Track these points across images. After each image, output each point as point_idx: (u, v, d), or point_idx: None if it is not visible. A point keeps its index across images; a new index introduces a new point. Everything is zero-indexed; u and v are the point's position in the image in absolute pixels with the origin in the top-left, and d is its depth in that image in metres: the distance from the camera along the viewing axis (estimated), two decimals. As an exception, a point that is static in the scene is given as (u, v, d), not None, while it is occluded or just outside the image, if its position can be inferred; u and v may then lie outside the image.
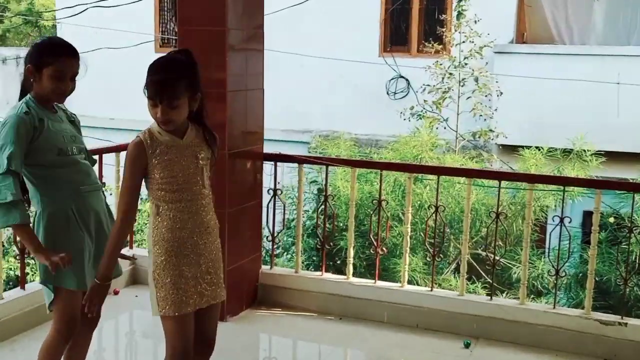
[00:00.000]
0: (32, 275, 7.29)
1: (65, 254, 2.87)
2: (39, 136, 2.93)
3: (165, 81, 2.71)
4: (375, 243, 4.83)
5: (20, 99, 3.03)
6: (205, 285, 2.90)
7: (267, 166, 4.91)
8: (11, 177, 2.84)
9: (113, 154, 4.99)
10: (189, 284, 2.84)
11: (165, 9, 11.96)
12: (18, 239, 4.41)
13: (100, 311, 2.99)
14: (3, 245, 4.44)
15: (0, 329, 4.17)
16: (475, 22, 8.74)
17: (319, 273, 5.01)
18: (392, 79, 10.42)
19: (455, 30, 8.97)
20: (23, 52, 13.58)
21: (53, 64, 2.95)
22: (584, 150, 7.54)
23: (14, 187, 2.83)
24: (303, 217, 5.90)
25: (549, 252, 6.59)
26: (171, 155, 2.80)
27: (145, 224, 7.90)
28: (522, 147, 7.85)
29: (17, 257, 4.51)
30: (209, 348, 3.06)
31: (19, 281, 4.56)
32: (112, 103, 11.20)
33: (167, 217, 2.82)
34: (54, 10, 14.79)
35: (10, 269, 7.44)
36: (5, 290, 4.45)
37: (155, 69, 2.75)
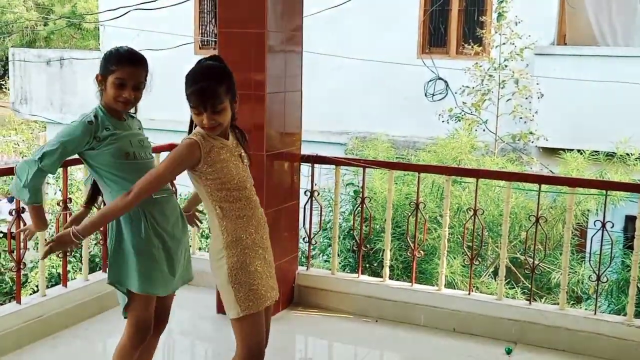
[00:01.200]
0: (74, 273, 7.45)
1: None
2: (106, 143, 3.00)
3: (207, 88, 2.79)
4: (412, 245, 4.80)
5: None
6: (273, 279, 3.04)
7: (305, 167, 4.93)
8: (36, 169, 2.93)
9: (153, 154, 5.04)
10: (263, 279, 2.92)
11: (205, 10, 12.07)
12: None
13: (169, 315, 3.27)
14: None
15: (43, 326, 4.26)
16: (516, 23, 8.62)
17: (355, 275, 5.00)
18: (431, 80, 10.35)
19: (496, 32, 8.87)
20: (67, 53, 13.89)
21: (115, 72, 3.01)
22: (628, 154, 7.39)
23: (37, 180, 2.94)
24: (339, 218, 5.90)
25: (590, 257, 6.47)
26: (225, 156, 2.88)
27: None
28: (563, 150, 7.72)
29: (59, 255, 4.60)
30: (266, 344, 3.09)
31: (61, 279, 4.65)
32: (152, 104, 11.32)
33: (233, 217, 2.88)
34: (97, 13, 15.06)
35: (53, 267, 7.59)
36: (47, 287, 4.54)
37: (193, 78, 2.83)
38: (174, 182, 3.46)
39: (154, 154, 3.40)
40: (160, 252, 3.08)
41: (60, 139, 2.96)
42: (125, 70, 3.02)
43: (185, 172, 2.91)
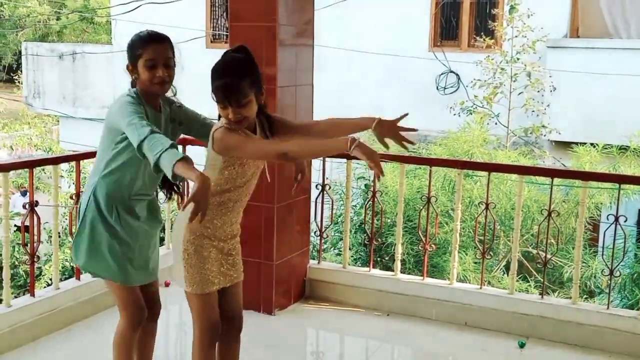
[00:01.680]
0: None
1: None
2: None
3: (231, 83, 2.79)
4: (423, 239, 4.80)
5: None
6: (234, 268, 3.09)
7: (316, 161, 4.93)
8: (156, 134, 2.81)
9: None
10: (214, 266, 3.01)
11: (217, 4, 12.08)
12: (74, 229, 4.53)
13: (160, 300, 3.27)
14: (59, 237, 4.58)
15: (56, 318, 4.30)
16: (528, 16, 8.57)
17: (366, 269, 5.00)
18: (442, 73, 10.31)
19: (508, 25, 8.82)
20: (79, 47, 13.94)
21: (142, 55, 2.99)
22: (642, 147, 7.34)
23: (164, 138, 2.80)
24: (351, 212, 5.90)
25: (602, 251, 6.45)
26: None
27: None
28: (576, 143, 7.68)
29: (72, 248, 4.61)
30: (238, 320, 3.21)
31: (75, 272, 4.67)
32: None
33: (211, 206, 2.88)
34: (109, 7, 15.11)
35: (67, 260, 7.64)
36: (61, 280, 4.57)
37: (218, 73, 2.83)
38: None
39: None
40: (129, 245, 3.11)
41: (128, 112, 2.88)
42: (152, 49, 2.99)
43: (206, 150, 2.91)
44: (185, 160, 2.69)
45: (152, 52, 2.99)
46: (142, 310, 3.19)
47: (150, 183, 3.16)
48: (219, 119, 2.91)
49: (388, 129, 2.84)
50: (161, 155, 2.70)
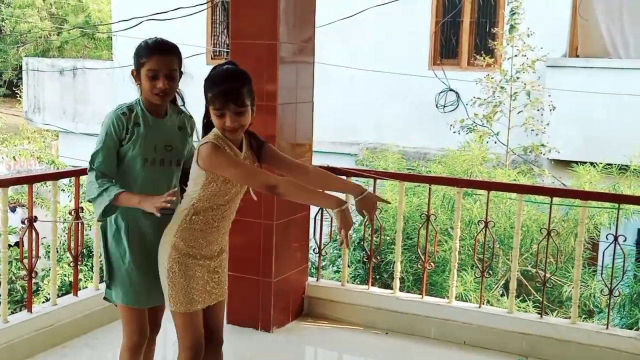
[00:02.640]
0: (85, 282, 7.45)
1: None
2: (128, 140, 2.97)
3: (231, 89, 2.81)
4: (423, 257, 4.79)
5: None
6: (219, 286, 3.08)
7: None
8: (94, 174, 2.94)
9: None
10: (199, 284, 3.00)
11: (218, 21, 12.13)
12: (72, 245, 4.52)
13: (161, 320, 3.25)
14: (57, 252, 4.56)
15: (53, 335, 4.27)
16: (528, 35, 8.62)
17: (365, 287, 4.99)
18: (442, 91, 10.34)
19: (508, 44, 8.86)
20: (80, 63, 13.99)
21: (146, 64, 2.97)
22: (642, 168, 7.33)
23: (97, 182, 2.91)
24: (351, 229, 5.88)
25: (602, 271, 6.44)
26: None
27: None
28: (576, 162, 7.68)
29: (71, 264, 4.61)
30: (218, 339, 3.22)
31: (72, 287, 4.66)
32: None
33: (196, 228, 2.94)
34: (110, 24, 15.17)
35: (65, 275, 7.61)
36: (58, 296, 4.55)
37: (216, 80, 2.85)
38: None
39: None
40: (135, 265, 3.05)
41: (100, 138, 2.97)
42: (156, 60, 2.96)
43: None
44: (121, 195, 2.87)
45: (155, 63, 2.96)
46: (144, 336, 3.17)
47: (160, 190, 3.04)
48: (203, 135, 2.92)
49: (368, 205, 3.00)
50: (98, 195, 2.90)
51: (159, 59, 2.97)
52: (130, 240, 3.04)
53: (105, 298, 3.22)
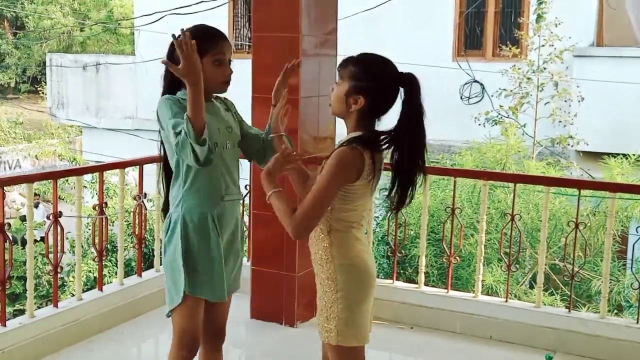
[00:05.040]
0: (109, 277, 7.51)
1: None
2: None
3: None
4: (448, 251, 4.73)
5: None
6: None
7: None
8: (181, 135, 2.61)
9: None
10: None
11: (240, 14, 12.12)
12: (97, 240, 4.53)
13: (225, 329, 3.08)
14: (82, 247, 4.58)
15: (78, 329, 4.29)
16: (556, 25, 8.47)
17: (390, 281, 4.94)
18: (466, 83, 10.23)
19: (535, 34, 8.72)
20: (102, 58, 14.07)
21: (213, 50, 2.79)
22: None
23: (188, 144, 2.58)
24: (373, 224, 5.84)
25: (631, 264, 6.33)
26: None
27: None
28: (606, 154, 7.55)
29: (96, 259, 4.62)
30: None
31: (97, 283, 4.67)
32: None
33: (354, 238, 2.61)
34: (133, 18, 15.24)
35: (90, 271, 7.67)
36: (84, 291, 4.57)
37: (395, 72, 2.62)
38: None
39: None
40: (211, 257, 2.84)
41: (168, 112, 2.70)
42: (222, 45, 2.81)
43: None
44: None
45: (222, 49, 2.81)
46: (196, 343, 2.93)
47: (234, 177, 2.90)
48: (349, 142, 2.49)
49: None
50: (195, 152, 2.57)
51: (224, 44, 2.83)
52: (216, 232, 2.83)
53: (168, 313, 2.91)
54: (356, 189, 2.49)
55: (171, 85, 2.84)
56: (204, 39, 2.75)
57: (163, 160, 2.95)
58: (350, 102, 2.51)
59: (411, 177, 2.53)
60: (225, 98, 3.03)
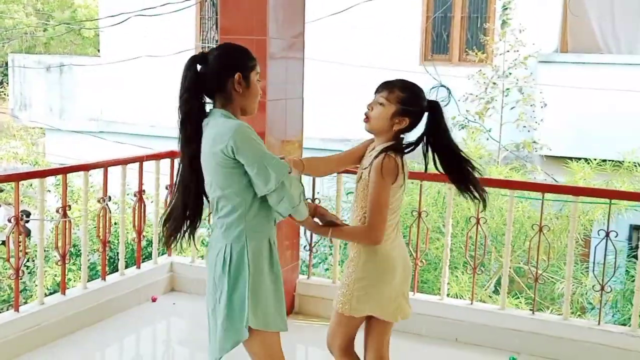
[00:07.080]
0: (73, 281, 7.39)
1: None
2: None
3: None
4: (414, 255, 4.75)
5: (183, 125, 2.62)
6: None
7: (306, 176, 4.86)
8: (289, 180, 2.63)
9: (153, 162, 5.01)
10: None
11: (206, 17, 12.05)
12: (60, 244, 4.45)
13: None
14: (45, 251, 4.49)
15: (41, 334, 4.21)
16: (520, 31, 8.59)
17: (356, 284, 4.93)
18: (433, 87, 10.30)
19: (500, 39, 8.83)
20: (66, 59, 13.85)
21: (255, 67, 2.64)
22: (635, 164, 7.32)
23: (295, 187, 2.65)
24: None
25: (593, 267, 6.44)
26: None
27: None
28: (569, 158, 7.66)
29: (59, 263, 4.55)
30: None
31: (60, 287, 4.59)
32: (152, 110, 11.33)
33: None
34: (97, 19, 15.04)
35: (56, 275, 7.53)
36: (46, 295, 4.48)
37: (422, 94, 3.10)
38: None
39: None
40: (272, 284, 2.74)
41: (258, 149, 2.58)
42: (257, 63, 2.66)
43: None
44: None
45: (258, 67, 2.69)
46: None
47: None
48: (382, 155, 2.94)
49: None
50: (298, 203, 2.68)
51: (257, 61, 2.70)
52: (277, 258, 2.78)
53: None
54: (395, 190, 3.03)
55: (202, 106, 2.68)
56: (250, 55, 2.68)
57: (195, 184, 2.71)
58: (394, 122, 2.99)
59: (460, 164, 3.14)
60: None
